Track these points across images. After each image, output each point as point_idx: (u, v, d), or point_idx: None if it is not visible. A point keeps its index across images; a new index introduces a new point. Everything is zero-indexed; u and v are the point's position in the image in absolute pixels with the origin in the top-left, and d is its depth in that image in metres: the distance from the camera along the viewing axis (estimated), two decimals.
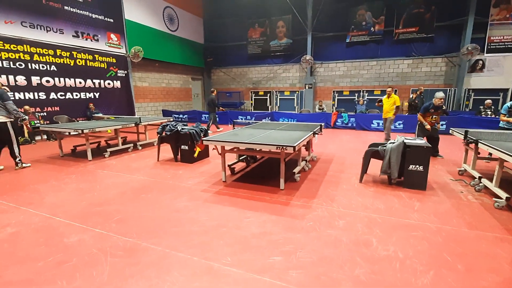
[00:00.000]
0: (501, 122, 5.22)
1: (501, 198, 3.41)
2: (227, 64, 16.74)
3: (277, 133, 4.82)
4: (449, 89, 11.87)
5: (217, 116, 10.70)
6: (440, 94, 5.48)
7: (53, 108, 8.99)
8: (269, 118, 11.95)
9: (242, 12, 15.34)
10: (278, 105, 15.11)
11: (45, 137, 8.60)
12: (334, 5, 13.27)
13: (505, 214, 3.24)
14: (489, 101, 9.95)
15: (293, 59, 14.89)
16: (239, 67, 16.52)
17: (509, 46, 11.23)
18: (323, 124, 5.84)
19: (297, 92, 14.63)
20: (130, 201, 3.68)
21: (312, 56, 13.84)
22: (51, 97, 8.90)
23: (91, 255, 2.44)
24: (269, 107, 15.23)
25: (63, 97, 9.27)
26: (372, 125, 10.36)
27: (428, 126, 5.62)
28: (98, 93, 10.42)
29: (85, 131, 5.61)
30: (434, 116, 5.63)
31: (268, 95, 15.28)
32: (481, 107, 10.11)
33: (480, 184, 4.01)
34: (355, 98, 13.27)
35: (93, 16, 9.99)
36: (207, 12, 16.25)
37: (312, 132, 4.87)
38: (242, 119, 12.07)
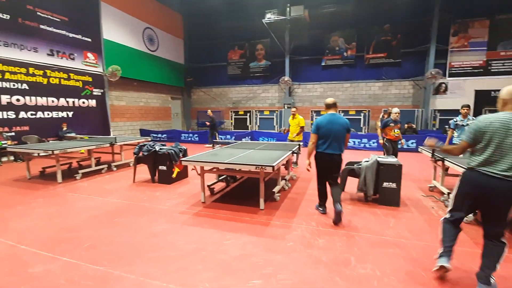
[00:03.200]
0: (454, 138, 5.73)
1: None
2: (207, 84, 16.93)
3: (256, 153, 4.86)
4: (417, 110, 12.70)
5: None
6: (395, 109, 6.04)
7: (22, 127, 8.51)
8: (249, 137, 12.05)
9: (222, 35, 15.81)
10: (258, 124, 15.32)
11: (12, 158, 8.05)
12: (310, 31, 14.07)
13: (474, 228, 3.42)
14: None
15: (272, 80, 15.36)
16: (219, 87, 16.75)
17: (468, 71, 12.37)
18: (301, 143, 5.98)
19: (276, 112, 14.97)
20: (102, 226, 3.49)
21: (290, 77, 14.38)
22: (20, 116, 8.46)
23: (59, 287, 2.26)
24: (249, 126, 15.40)
25: (34, 116, 8.84)
26: (348, 143, 10.72)
27: (381, 141, 6.17)
28: (71, 112, 10.06)
29: (55, 151, 5.34)
30: (396, 130, 5.96)
31: (248, 114, 15.50)
32: (446, 126, 10.85)
33: (449, 199, 4.23)
34: None
35: (70, 35, 9.84)
36: (187, 34, 16.59)
37: (291, 151, 4.96)
38: (222, 138, 12.07)
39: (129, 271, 2.48)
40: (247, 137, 11.92)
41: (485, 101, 12.00)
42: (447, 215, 2.43)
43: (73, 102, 10.12)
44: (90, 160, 6.42)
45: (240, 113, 15.69)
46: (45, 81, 9.10)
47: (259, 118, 15.32)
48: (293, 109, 7.14)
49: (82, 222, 3.60)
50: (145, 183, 5.56)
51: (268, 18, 13.31)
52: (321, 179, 3.81)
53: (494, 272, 2.15)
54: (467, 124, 5.73)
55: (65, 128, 9.47)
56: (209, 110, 11.87)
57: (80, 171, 6.03)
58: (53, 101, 9.40)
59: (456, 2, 11.94)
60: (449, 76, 12.60)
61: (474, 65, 12.27)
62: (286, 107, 14.69)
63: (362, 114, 13.37)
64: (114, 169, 6.83)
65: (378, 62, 13.53)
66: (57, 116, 9.55)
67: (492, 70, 12.04)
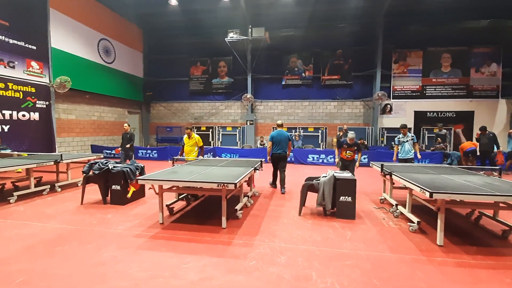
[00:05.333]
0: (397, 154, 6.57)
1: (414, 222, 3.95)
2: (168, 98, 16.48)
3: (218, 170, 4.78)
4: (368, 128, 13.84)
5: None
6: (350, 135, 6.09)
7: None
8: (211, 153, 11.86)
9: (184, 51, 15.71)
10: (220, 140, 15.21)
11: None
12: (270, 51, 14.71)
13: (418, 236, 3.73)
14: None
15: (235, 97, 15.54)
16: (180, 102, 16.40)
17: (408, 94, 13.96)
18: (263, 159, 6.06)
19: (239, 128, 15.07)
20: (39, 256, 3.06)
21: (252, 94, 14.71)
22: None
23: None
24: (212, 142, 15.21)
25: None
26: (308, 159, 11.17)
27: (337, 159, 6.35)
28: (8, 126, 8.91)
29: None
30: (348, 151, 6.27)
31: (211, 130, 15.35)
32: (393, 143, 11.92)
33: (397, 210, 4.59)
34: (292, 134, 14.33)
35: (10, 41, 8.90)
36: (147, 47, 16.14)
37: (253, 168, 4.98)
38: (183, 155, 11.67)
39: None
40: (209, 153, 11.71)
41: (423, 120, 13.66)
42: None
43: (10, 114, 9.00)
44: (29, 180, 5.69)
45: (202, 129, 15.46)
46: None
47: (222, 134, 15.25)
48: (187, 130, 6.73)
49: (14, 254, 3.12)
50: (95, 205, 5.07)
51: (230, 37, 13.63)
52: (274, 168, 6.48)
53: None
54: (407, 140, 6.54)
55: None
56: (126, 124, 9.45)
57: (15, 193, 5.29)
58: None
59: (395, 34, 13.55)
60: (393, 98, 14.06)
61: (412, 89, 13.91)
62: (248, 123, 14.90)
63: (320, 131, 14.14)
64: (59, 190, 6.13)
65: (332, 83, 14.60)
66: None
67: (427, 94, 13.76)
